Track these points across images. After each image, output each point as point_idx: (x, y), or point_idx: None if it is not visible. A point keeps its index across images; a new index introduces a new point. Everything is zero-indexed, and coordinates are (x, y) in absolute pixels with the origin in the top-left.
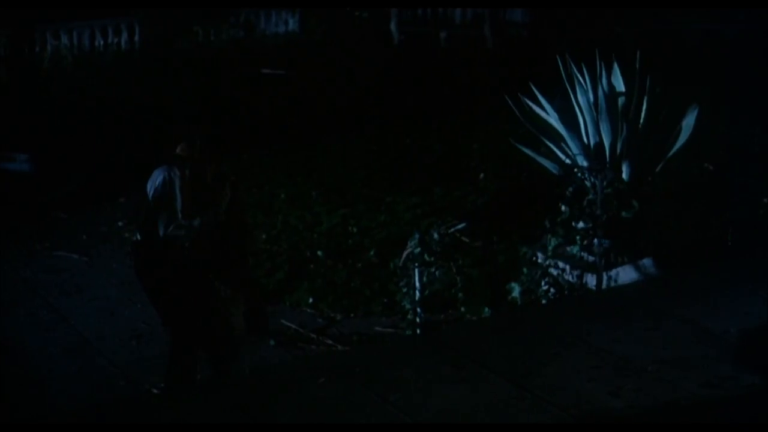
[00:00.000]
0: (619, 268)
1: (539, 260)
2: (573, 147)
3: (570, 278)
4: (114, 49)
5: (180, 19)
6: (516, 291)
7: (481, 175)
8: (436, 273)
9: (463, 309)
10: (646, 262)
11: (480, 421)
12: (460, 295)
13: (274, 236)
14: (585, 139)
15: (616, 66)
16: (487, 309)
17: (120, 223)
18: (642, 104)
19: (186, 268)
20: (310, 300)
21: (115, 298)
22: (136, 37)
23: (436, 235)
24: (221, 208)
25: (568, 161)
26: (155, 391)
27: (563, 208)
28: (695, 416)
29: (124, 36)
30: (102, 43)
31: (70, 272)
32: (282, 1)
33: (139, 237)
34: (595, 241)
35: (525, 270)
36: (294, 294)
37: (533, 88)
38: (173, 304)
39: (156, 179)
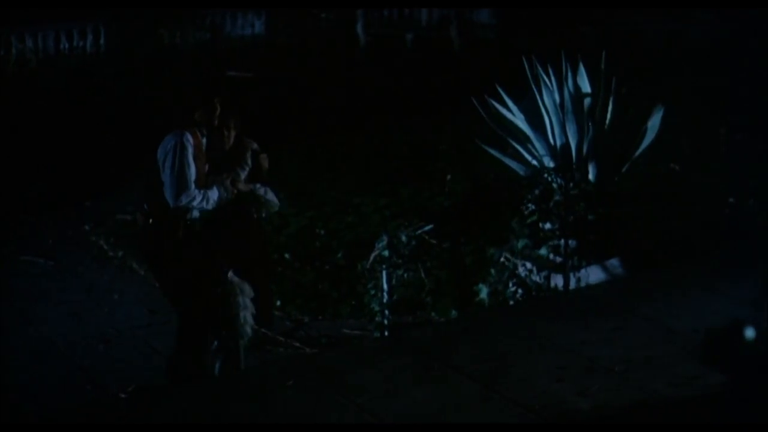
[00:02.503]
0: (586, 269)
1: (506, 261)
2: (539, 148)
3: (537, 279)
4: (79, 52)
5: (146, 22)
6: (484, 292)
7: (448, 177)
8: (404, 275)
9: (430, 311)
10: (613, 262)
11: (448, 422)
12: (428, 298)
13: None
14: (551, 140)
15: (581, 66)
16: (454, 311)
17: (86, 227)
18: (608, 105)
19: (196, 243)
20: (278, 303)
21: (81, 302)
22: (102, 40)
23: (403, 237)
24: (239, 178)
25: (534, 162)
26: (122, 395)
27: (530, 208)
28: (663, 416)
29: (90, 39)
30: (67, 46)
31: (36, 276)
32: (249, 3)
33: (146, 208)
34: (562, 242)
35: (492, 271)
36: None
37: (499, 90)
38: (182, 283)
39: (167, 145)
